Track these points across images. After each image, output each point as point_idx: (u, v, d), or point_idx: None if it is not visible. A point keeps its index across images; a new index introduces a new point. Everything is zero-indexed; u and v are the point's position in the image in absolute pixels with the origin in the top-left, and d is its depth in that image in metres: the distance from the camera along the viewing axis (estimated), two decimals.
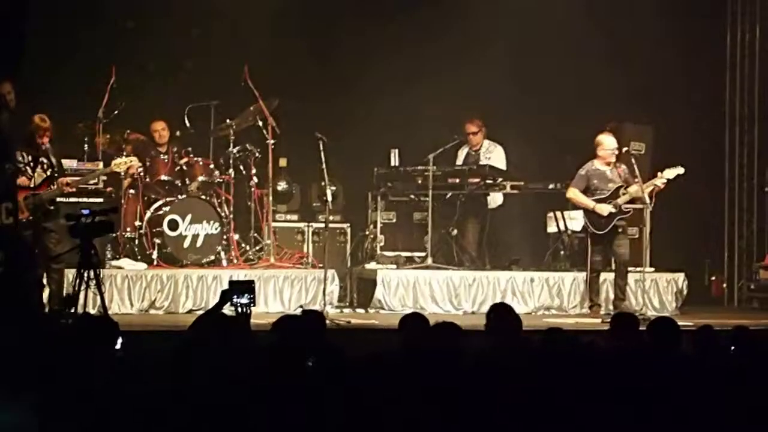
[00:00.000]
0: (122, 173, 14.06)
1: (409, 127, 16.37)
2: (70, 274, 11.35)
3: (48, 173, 11.96)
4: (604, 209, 13.45)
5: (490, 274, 14.49)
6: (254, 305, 8.67)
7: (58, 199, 12.34)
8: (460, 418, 6.01)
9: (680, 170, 13.51)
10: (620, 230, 13.63)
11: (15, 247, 10.28)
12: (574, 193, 13.69)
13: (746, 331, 7.90)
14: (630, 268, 13.85)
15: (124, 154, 14.09)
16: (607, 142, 13.71)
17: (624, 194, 13.49)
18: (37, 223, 11.76)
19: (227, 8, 15.75)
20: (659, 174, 13.55)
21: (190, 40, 15.67)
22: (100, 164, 13.86)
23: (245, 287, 8.35)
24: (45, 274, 11.69)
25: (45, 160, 11.96)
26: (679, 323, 7.79)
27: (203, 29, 15.82)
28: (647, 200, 13.34)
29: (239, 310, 8.03)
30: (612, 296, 13.87)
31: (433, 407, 6.00)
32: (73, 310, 11.38)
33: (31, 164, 11.86)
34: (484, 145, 15.21)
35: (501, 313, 7.71)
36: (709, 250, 17.45)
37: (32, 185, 11.80)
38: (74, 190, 12.46)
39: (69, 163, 13.23)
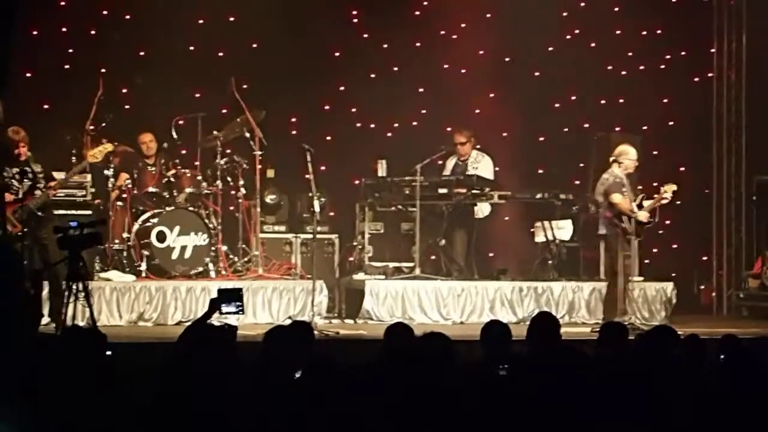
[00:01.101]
0: (111, 187, 14.11)
1: (397, 138, 16.39)
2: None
3: (31, 183, 11.94)
4: (643, 216, 13.34)
5: (478, 284, 14.48)
6: (243, 313, 8.68)
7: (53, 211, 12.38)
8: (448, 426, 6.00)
9: (674, 187, 13.47)
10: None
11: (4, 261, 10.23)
12: (620, 199, 13.26)
13: (735, 340, 7.91)
14: None
15: (112, 166, 14.15)
16: (632, 152, 13.48)
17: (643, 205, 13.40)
18: (32, 234, 11.76)
19: (215, 20, 15.77)
20: (662, 190, 13.45)
21: (177, 52, 15.66)
22: (88, 176, 13.88)
23: (233, 295, 8.35)
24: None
25: (27, 170, 11.93)
26: None
27: (191, 41, 15.82)
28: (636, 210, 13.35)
29: (227, 321, 8.01)
30: (602, 306, 13.84)
31: (421, 416, 5.99)
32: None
33: (17, 177, 11.87)
34: (472, 155, 15.18)
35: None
36: (698, 259, 17.47)
37: (20, 197, 11.81)
38: (57, 191, 12.42)
39: (57, 176, 13.19)
